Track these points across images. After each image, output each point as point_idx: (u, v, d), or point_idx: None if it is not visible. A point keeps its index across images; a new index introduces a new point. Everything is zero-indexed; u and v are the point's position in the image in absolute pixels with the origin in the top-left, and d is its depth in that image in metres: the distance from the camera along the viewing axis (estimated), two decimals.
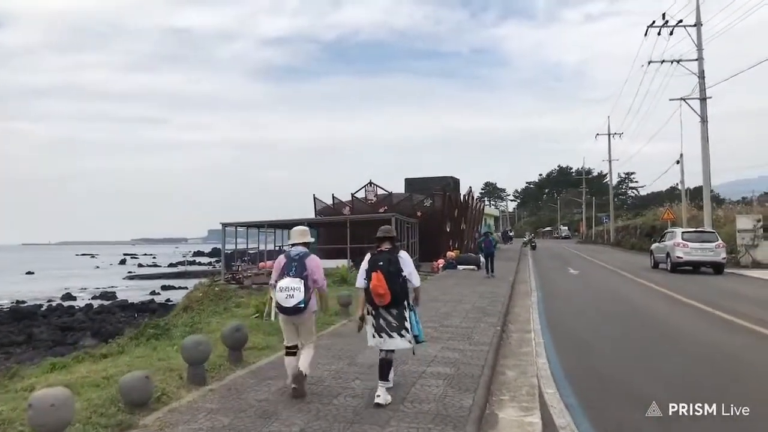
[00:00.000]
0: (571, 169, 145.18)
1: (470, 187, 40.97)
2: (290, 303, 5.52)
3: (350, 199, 32.32)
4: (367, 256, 5.73)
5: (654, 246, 26.44)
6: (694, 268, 23.34)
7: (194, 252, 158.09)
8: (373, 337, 5.68)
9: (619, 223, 65.66)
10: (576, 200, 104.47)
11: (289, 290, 5.53)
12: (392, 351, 5.66)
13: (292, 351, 5.91)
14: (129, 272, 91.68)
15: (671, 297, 15.33)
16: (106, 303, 45.94)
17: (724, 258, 22.82)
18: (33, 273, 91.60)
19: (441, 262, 26.57)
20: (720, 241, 22.88)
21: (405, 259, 5.70)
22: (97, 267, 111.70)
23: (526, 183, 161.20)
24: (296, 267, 5.62)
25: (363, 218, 25.77)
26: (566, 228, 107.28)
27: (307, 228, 6.27)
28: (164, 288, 60.51)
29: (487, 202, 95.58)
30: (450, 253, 28.14)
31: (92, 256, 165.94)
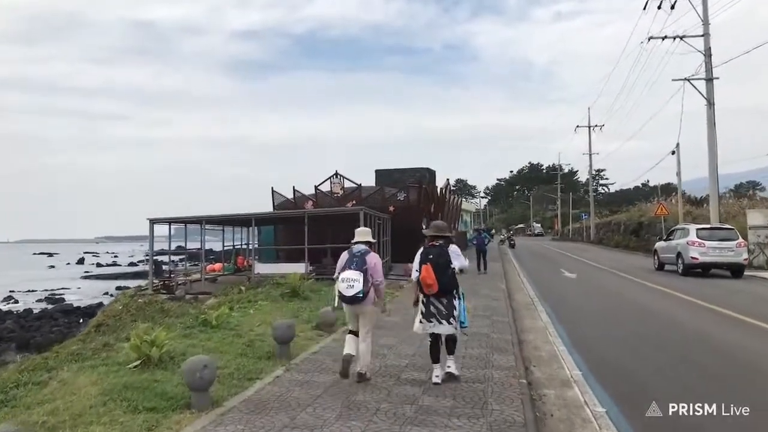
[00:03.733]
0: (542, 166, 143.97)
1: (447, 179, 37.78)
2: (350, 292, 6.19)
3: (314, 192, 28.85)
4: (420, 250, 6.42)
5: (659, 245, 23.42)
6: (704, 270, 20.45)
7: (158, 250, 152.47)
8: (420, 322, 6.39)
9: (598, 219, 63.32)
10: (551, 196, 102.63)
11: (349, 281, 6.20)
12: (448, 335, 6.28)
13: (354, 333, 6.53)
14: (85, 272, 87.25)
15: (718, 313, 12.11)
16: (49, 307, 42.27)
17: (746, 259, 19.95)
18: None
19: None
20: (741, 240, 19.96)
21: (454, 251, 6.34)
22: (53, 266, 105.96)
23: (497, 180, 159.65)
24: (357, 261, 6.28)
25: (325, 213, 22.22)
26: (539, 225, 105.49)
27: (368, 229, 7.00)
28: (118, 288, 56.93)
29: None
30: None
31: (50, 254, 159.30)
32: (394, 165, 35.84)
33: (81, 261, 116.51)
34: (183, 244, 29.10)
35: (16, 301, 47.96)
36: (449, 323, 6.21)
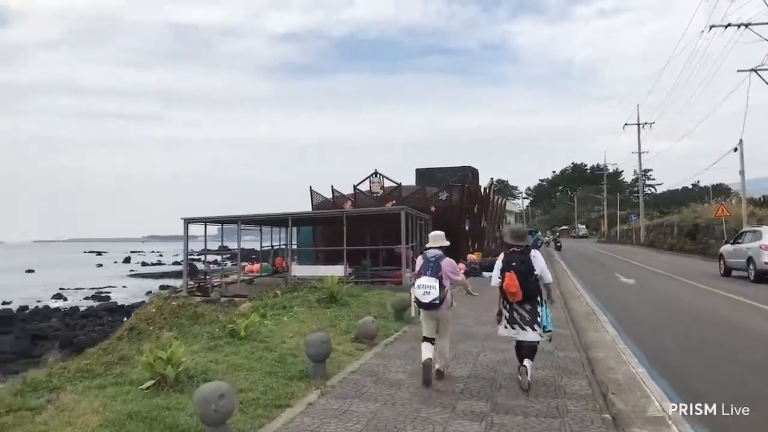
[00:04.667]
0: (585, 165, 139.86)
1: (492, 178, 36.38)
2: (427, 299, 6.29)
3: (353, 192, 28.03)
4: (501, 256, 6.38)
5: (726, 249, 21.55)
6: None
7: (201, 249, 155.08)
8: (505, 328, 6.40)
9: (648, 221, 60.54)
10: (596, 197, 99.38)
11: (425, 287, 6.29)
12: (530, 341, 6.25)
13: (429, 340, 6.58)
14: (131, 270, 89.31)
15: None
16: (95, 305, 43.00)
17: None
18: (33, 271, 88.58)
19: (462, 267, 21.94)
20: None
21: (537, 258, 6.30)
22: (100, 265, 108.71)
23: (539, 180, 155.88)
24: (432, 267, 6.36)
25: (365, 213, 21.31)
26: (584, 227, 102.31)
27: (442, 233, 6.89)
28: (162, 287, 57.77)
29: None
30: (471, 256, 23.64)
31: (99, 253, 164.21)
32: (434, 165, 34.65)
33: (127, 260, 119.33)
34: (222, 245, 28.71)
35: (65, 299, 49.04)
36: (533, 329, 6.20)
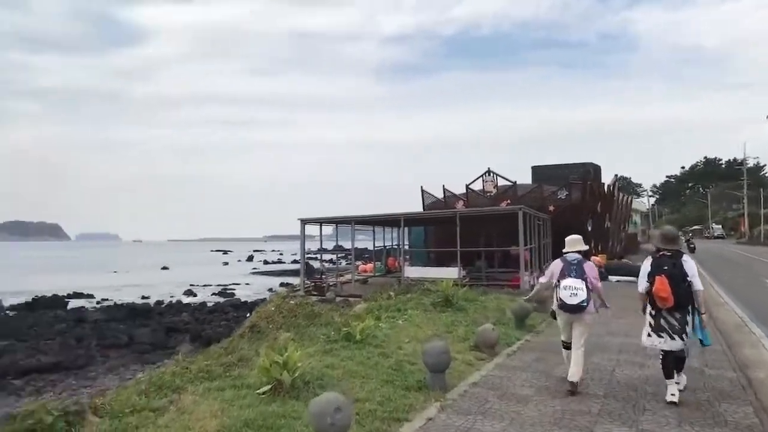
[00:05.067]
0: (720, 160, 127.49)
1: (616, 175, 34.00)
2: (574, 301, 6.07)
3: (465, 191, 27.36)
4: (648, 260, 6.02)
5: None
6: None
7: (317, 249, 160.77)
8: (649, 336, 5.96)
9: None
10: (734, 194, 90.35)
11: (573, 289, 6.09)
12: (680, 351, 5.84)
13: (568, 346, 6.48)
14: (254, 268, 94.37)
15: None
16: (221, 301, 45.67)
17: None
18: (167, 268, 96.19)
19: None
20: None
21: (688, 263, 5.86)
22: (226, 263, 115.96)
23: (666, 177, 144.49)
24: (576, 270, 6.18)
25: (479, 213, 20.59)
26: (719, 227, 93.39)
27: (579, 237, 6.71)
28: (282, 285, 60.49)
29: None
30: (596, 258, 22.09)
31: (225, 252, 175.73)
32: (550, 162, 33.02)
33: (250, 258, 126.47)
34: (337, 245, 29.25)
35: (195, 295, 52.68)
36: (681, 339, 5.80)
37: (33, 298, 44.01)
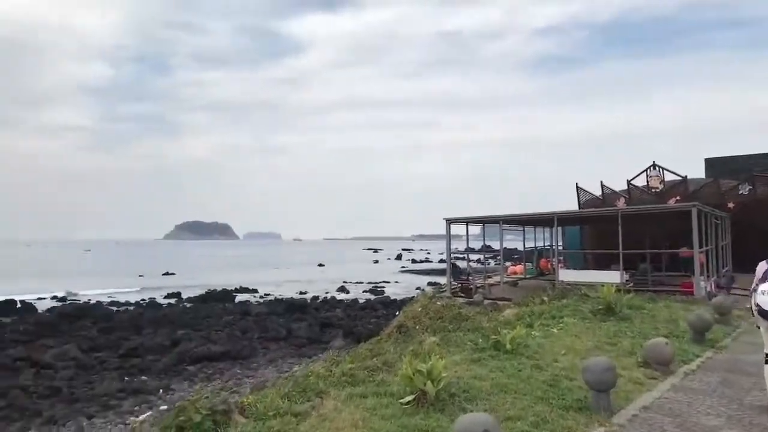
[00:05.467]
0: None
1: None
2: None
3: (626, 188, 25.11)
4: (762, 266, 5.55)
5: None
6: None
7: (465, 248, 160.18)
8: None
9: None
10: None
11: None
12: None
13: None
14: (402, 267, 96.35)
15: None
16: (372, 298, 46.89)
17: None
18: (323, 265, 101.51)
19: None
20: None
21: None
22: (376, 261, 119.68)
23: None
24: None
25: (644, 211, 18.64)
26: None
27: None
28: (429, 284, 60.86)
29: None
30: None
31: (375, 250, 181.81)
32: (726, 153, 29.26)
33: (399, 257, 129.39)
34: (484, 245, 28.46)
35: (347, 291, 54.89)
36: None
37: (206, 292, 48.70)
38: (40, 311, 36.29)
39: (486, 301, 14.40)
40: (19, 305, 38.11)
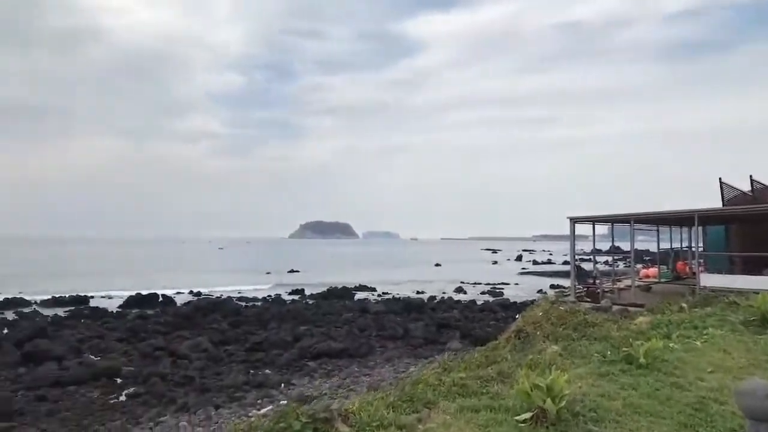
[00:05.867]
0: None
1: None
2: None
3: None
4: None
5: None
6: None
7: (591, 249, 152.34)
8: None
9: None
10: None
11: None
12: None
13: None
14: (522, 268, 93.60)
15: None
16: (490, 300, 45.90)
17: None
18: (440, 265, 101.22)
19: None
20: None
21: None
22: (495, 262, 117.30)
23: None
24: None
25: None
26: None
27: None
28: (552, 287, 58.56)
29: None
30: None
31: (494, 251, 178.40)
32: None
33: (519, 258, 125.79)
34: (612, 245, 26.53)
35: (465, 292, 54.12)
36: None
37: (327, 289, 50.27)
38: (178, 305, 39.42)
39: (615, 307, 13.17)
40: (160, 299, 41.67)
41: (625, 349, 6.72)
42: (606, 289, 17.15)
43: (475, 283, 64.12)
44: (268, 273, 79.36)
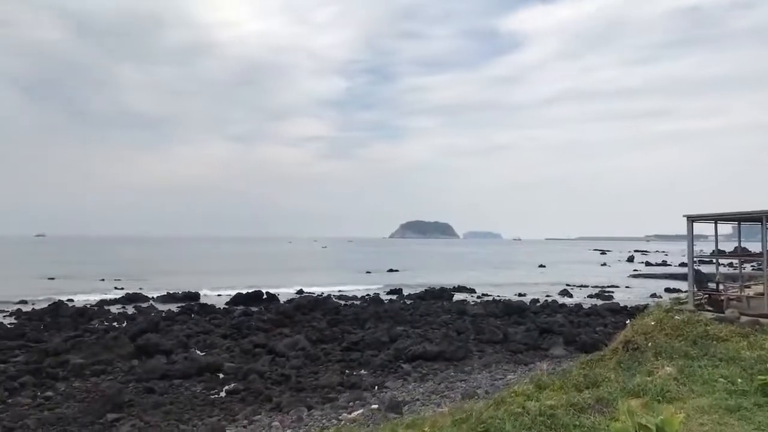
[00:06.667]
0: None
1: None
2: None
3: None
4: None
5: None
6: None
7: (711, 252, 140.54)
8: None
9: None
10: None
11: None
12: None
13: None
14: (634, 270, 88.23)
15: None
16: (598, 304, 43.43)
17: None
18: (544, 266, 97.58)
19: None
20: None
21: None
22: (604, 264, 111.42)
23: None
24: None
25: None
26: None
27: None
28: (667, 290, 54.82)
29: None
30: None
31: (603, 252, 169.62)
32: None
33: (631, 259, 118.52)
34: (738, 246, 23.80)
35: (570, 295, 51.52)
36: None
37: (425, 290, 49.78)
38: (281, 302, 40.60)
39: (743, 318, 11.46)
40: (265, 296, 43.14)
41: (761, 377, 5.52)
42: (732, 297, 15.18)
43: (581, 286, 61.06)
44: (368, 272, 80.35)
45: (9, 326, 29.52)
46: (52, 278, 63.19)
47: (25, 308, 37.39)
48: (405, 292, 50.32)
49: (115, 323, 31.71)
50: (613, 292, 55.13)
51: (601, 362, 10.18)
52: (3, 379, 18.33)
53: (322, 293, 48.26)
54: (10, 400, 16.74)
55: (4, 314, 35.09)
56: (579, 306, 40.66)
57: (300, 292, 50.22)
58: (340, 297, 46.38)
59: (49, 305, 35.61)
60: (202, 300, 42.99)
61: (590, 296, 51.51)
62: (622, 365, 8.20)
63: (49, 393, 17.70)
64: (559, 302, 43.73)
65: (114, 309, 38.10)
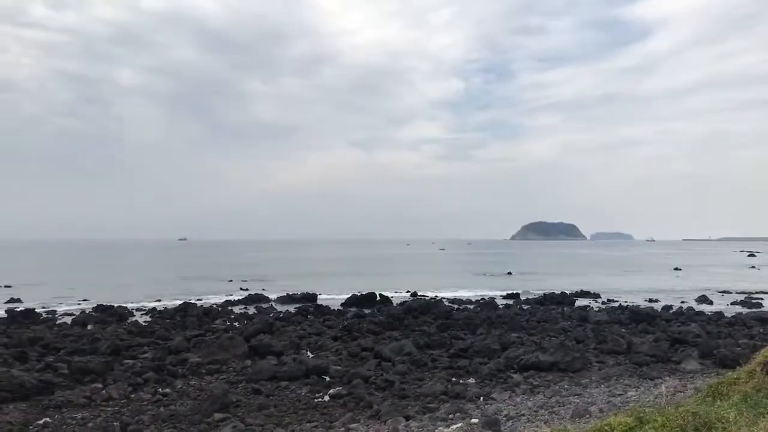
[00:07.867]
0: None
1: None
2: None
3: None
4: None
5: None
6: None
7: None
8: None
9: None
10: None
11: None
12: None
13: None
14: None
15: None
16: (743, 312, 38.91)
17: None
18: (680, 270, 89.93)
19: None
20: None
21: None
22: (753, 267, 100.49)
23: None
24: None
25: None
26: None
27: None
28: None
29: None
30: None
31: (751, 254, 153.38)
32: None
33: None
34: None
35: (710, 302, 46.68)
36: None
37: (544, 294, 47.38)
38: (394, 305, 40.55)
39: None
40: (378, 298, 43.37)
41: None
42: None
43: (724, 292, 55.11)
44: (483, 275, 78.53)
45: (143, 324, 32.08)
46: (186, 279, 68.52)
47: (160, 307, 40.59)
48: (522, 297, 48.31)
49: (236, 323, 33.28)
50: (762, 299, 49.12)
51: (734, 386, 8.60)
52: (129, 375, 19.66)
53: (435, 296, 47.59)
54: (133, 395, 17.85)
55: (141, 312, 38.33)
56: (720, 314, 36.52)
57: (414, 294, 49.98)
58: (453, 300, 45.48)
59: (179, 305, 38.29)
60: (320, 301, 44.08)
61: (734, 303, 46.37)
62: (748, 400, 6.72)
63: (167, 390, 18.70)
64: (696, 309, 39.72)
65: (237, 309, 40.17)
